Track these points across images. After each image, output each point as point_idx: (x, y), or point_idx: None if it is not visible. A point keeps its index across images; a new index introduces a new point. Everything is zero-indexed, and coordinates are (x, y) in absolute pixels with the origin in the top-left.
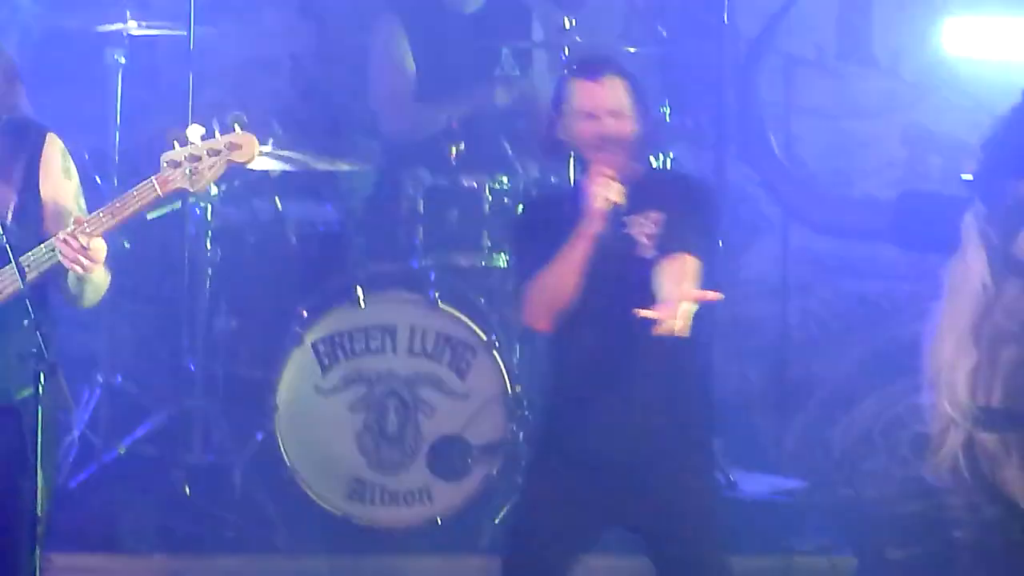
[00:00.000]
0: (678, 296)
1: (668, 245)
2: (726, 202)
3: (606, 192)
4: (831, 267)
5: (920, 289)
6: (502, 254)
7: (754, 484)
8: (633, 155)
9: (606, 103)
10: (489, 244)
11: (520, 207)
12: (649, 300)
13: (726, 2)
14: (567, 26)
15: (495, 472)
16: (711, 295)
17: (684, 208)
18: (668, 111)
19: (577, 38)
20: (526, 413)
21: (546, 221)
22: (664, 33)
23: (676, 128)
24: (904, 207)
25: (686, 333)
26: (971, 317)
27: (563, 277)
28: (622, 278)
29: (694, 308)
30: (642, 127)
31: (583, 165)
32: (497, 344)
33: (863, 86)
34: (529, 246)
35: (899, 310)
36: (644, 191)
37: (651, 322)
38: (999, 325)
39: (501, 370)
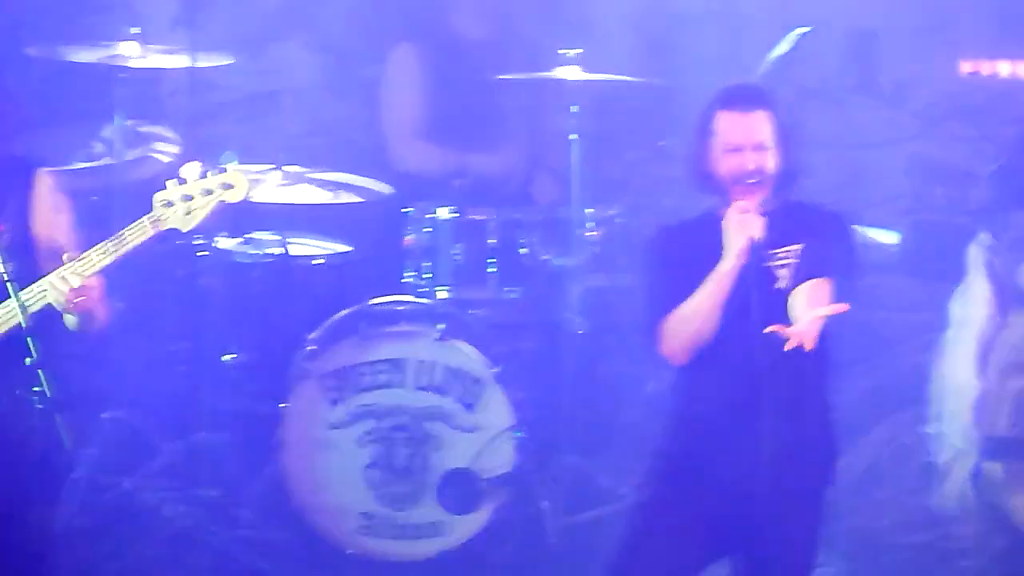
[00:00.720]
0: (811, 313)
1: (805, 277)
2: None
3: (748, 229)
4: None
5: (926, 319)
6: (512, 288)
7: None
8: (773, 189)
9: (753, 137)
10: (496, 276)
11: (656, 234)
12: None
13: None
14: (570, 55)
15: (504, 505)
16: (839, 307)
17: (820, 239)
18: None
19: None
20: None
21: (682, 251)
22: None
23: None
24: (910, 237)
25: (811, 345)
26: (978, 347)
27: (704, 312)
28: (760, 311)
29: (821, 323)
30: (784, 160)
31: (725, 197)
32: (507, 377)
33: (869, 116)
34: (664, 275)
35: (905, 340)
36: (781, 222)
37: (781, 345)
38: (1005, 355)
39: (509, 403)
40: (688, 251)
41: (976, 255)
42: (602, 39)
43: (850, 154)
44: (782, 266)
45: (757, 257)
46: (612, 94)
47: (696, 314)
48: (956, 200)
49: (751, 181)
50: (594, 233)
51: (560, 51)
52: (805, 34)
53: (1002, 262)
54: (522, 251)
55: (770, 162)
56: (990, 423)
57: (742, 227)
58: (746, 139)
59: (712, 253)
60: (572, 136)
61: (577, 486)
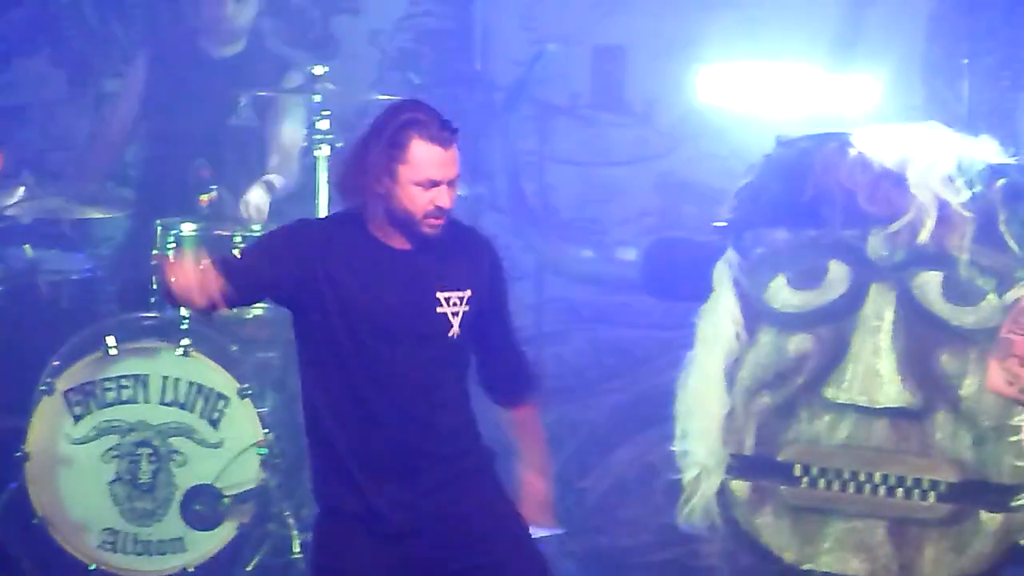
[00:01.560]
0: None
1: (471, 323)
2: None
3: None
4: (585, 316)
5: (673, 337)
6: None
7: None
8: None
9: (450, 173)
10: None
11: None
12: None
13: (479, 50)
14: (319, 73)
15: (248, 521)
16: None
17: (487, 285)
18: None
19: (329, 85)
20: (278, 461)
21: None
22: (416, 81)
23: None
24: (657, 255)
25: None
26: (724, 365)
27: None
28: (428, 354)
29: None
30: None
31: (402, 223)
32: (250, 392)
33: (616, 134)
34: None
35: (653, 358)
36: (454, 260)
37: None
38: (752, 373)
39: (254, 418)
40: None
41: (723, 273)
42: (350, 56)
43: (598, 171)
44: (454, 313)
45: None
46: (361, 110)
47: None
48: (703, 217)
49: (438, 219)
50: None
51: (309, 68)
52: (552, 51)
53: (748, 280)
54: None
55: (454, 195)
56: (736, 441)
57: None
58: (445, 175)
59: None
60: (319, 151)
61: None
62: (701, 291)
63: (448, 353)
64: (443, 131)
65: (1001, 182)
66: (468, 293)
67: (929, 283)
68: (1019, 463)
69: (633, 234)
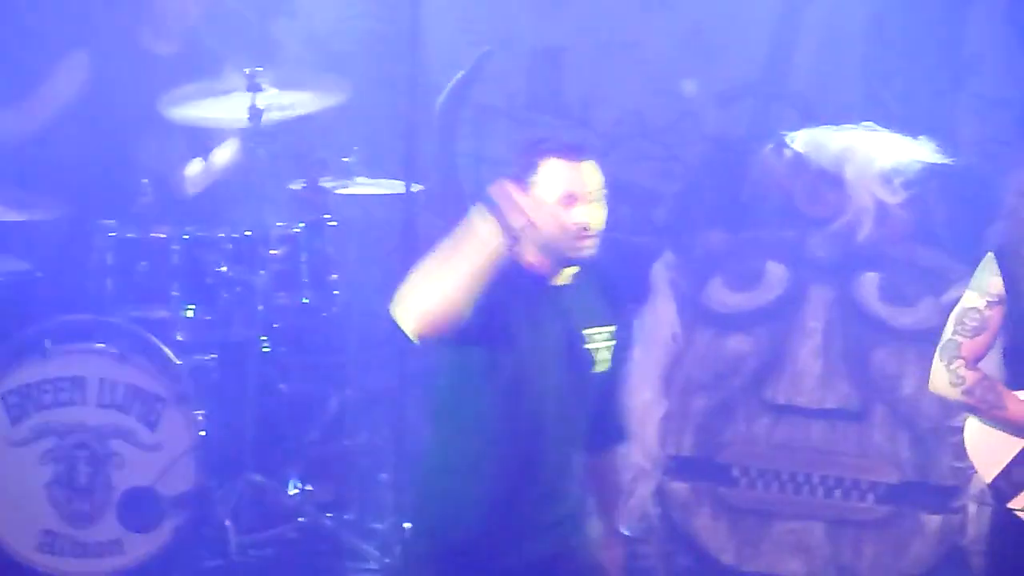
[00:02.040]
0: None
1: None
2: (419, 254)
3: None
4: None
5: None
6: (195, 306)
7: None
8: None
9: (588, 185)
10: (178, 295)
11: None
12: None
13: (416, 53)
14: (251, 73)
15: (185, 523)
16: None
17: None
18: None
19: (265, 87)
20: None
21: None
22: (353, 84)
23: (368, 179)
24: (595, 256)
25: None
26: (661, 366)
27: (459, 282)
28: (570, 392)
29: None
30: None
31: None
32: (187, 395)
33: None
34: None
35: None
36: (596, 295)
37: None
38: (690, 375)
39: (191, 421)
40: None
41: (660, 274)
42: (288, 58)
43: None
44: (597, 348)
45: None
46: (299, 111)
47: (455, 285)
48: (641, 219)
49: (585, 239)
50: (278, 251)
51: (247, 69)
52: (488, 53)
53: (686, 281)
54: (207, 269)
55: (602, 211)
56: (674, 442)
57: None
58: (580, 188)
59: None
60: (261, 152)
61: (259, 504)
62: (639, 292)
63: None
64: (573, 147)
65: (938, 183)
66: (613, 328)
67: (867, 284)
68: (958, 464)
69: None
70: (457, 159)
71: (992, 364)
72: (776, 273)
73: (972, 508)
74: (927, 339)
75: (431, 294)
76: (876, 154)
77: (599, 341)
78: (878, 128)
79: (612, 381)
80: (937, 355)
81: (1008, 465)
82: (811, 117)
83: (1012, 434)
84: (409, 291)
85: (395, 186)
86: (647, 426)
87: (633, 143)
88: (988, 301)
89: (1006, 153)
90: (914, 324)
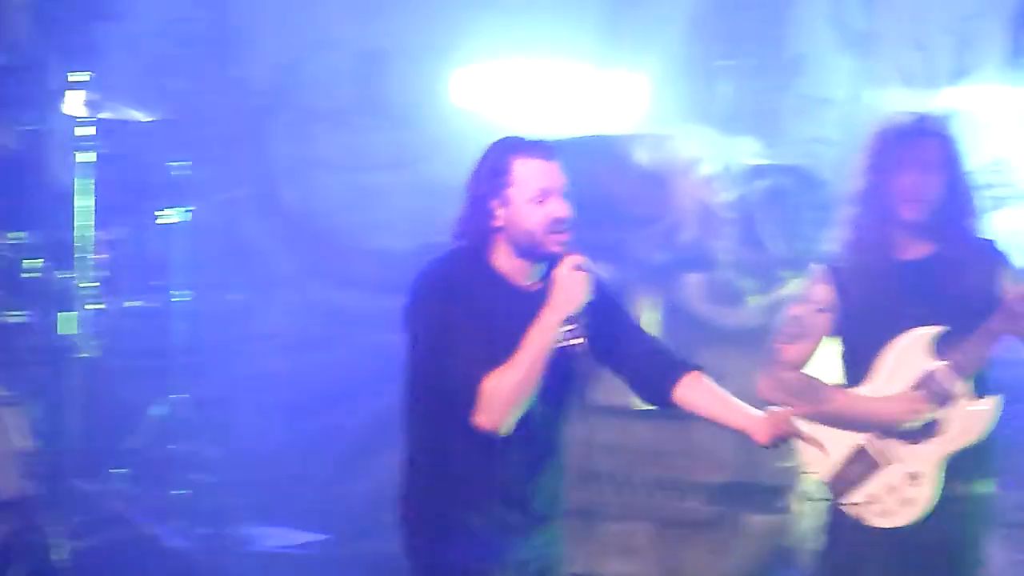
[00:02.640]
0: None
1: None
2: (244, 257)
3: (583, 285)
4: (349, 319)
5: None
6: (18, 311)
7: (271, 537)
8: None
9: (559, 183)
10: (1, 298)
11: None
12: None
13: (238, 56)
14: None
15: (11, 529)
16: None
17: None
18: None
19: (89, 93)
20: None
21: (466, 300)
22: (176, 87)
23: (194, 182)
24: (418, 259)
25: None
26: None
27: (528, 376)
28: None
29: None
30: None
31: (526, 247)
32: (16, 401)
33: (377, 138)
34: (457, 329)
35: None
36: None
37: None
38: None
39: (22, 426)
40: (465, 301)
41: None
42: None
43: (358, 176)
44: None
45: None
46: (127, 118)
47: (529, 378)
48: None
49: (559, 228)
50: (104, 256)
51: (70, 75)
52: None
53: None
54: (28, 273)
55: (570, 207)
56: None
57: (579, 285)
58: (553, 184)
59: (490, 300)
60: (82, 156)
61: (84, 510)
62: None
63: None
64: (541, 146)
65: (762, 183)
66: (586, 321)
67: (691, 284)
68: (784, 464)
69: (394, 238)
70: (280, 162)
71: (822, 367)
72: (601, 274)
73: (797, 507)
74: (752, 339)
75: (515, 399)
76: (701, 155)
77: (572, 336)
78: (703, 129)
79: (639, 340)
80: (764, 362)
81: (836, 465)
82: (636, 119)
83: (843, 429)
84: (492, 405)
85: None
86: None
87: (455, 145)
88: (813, 309)
89: (831, 153)
90: (738, 324)
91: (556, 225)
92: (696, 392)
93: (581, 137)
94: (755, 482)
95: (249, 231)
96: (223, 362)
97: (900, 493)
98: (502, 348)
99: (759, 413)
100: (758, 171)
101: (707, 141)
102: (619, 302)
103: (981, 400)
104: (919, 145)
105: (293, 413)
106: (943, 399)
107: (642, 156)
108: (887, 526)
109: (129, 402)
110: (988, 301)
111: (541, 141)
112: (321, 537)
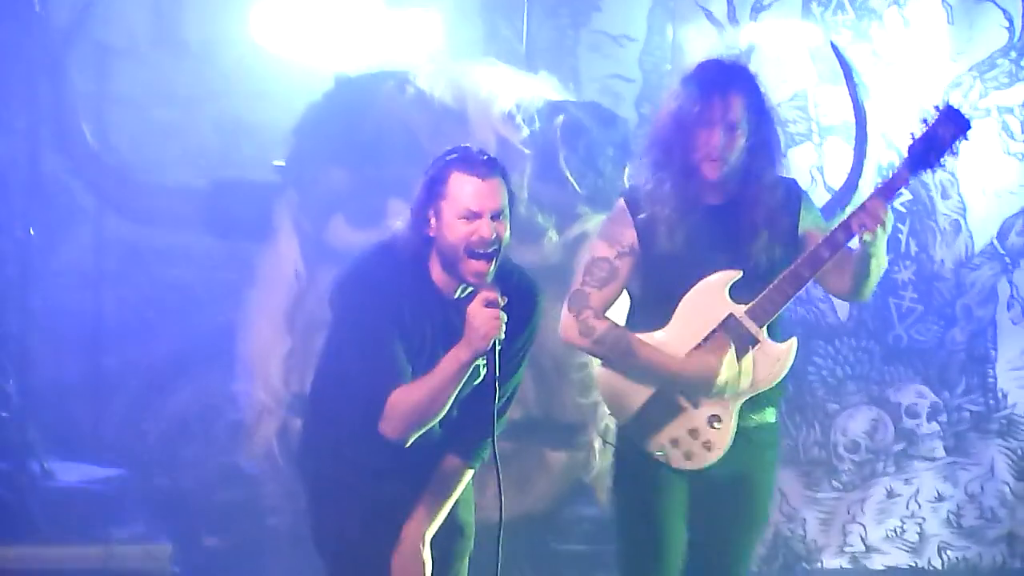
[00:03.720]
0: None
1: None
2: (41, 193)
3: (495, 327)
4: (145, 256)
5: (234, 277)
6: None
7: (70, 472)
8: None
9: (492, 204)
10: None
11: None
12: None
13: None
14: None
15: None
16: None
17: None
18: None
19: None
20: None
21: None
22: None
23: None
24: (216, 195)
25: None
26: (284, 305)
27: (433, 401)
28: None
29: None
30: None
31: (449, 260)
32: None
33: (175, 74)
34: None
35: (214, 299)
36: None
37: None
38: (312, 312)
39: None
40: (394, 297)
41: (282, 213)
42: None
43: (156, 111)
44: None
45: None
46: None
47: (434, 400)
48: (262, 157)
49: (481, 252)
50: None
51: None
52: None
53: (308, 220)
54: None
55: (503, 231)
56: (297, 380)
57: (489, 323)
58: (483, 206)
59: (417, 303)
60: None
61: None
62: (261, 231)
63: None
64: (482, 164)
65: (560, 119)
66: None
67: None
68: (582, 400)
69: (192, 174)
70: (77, 98)
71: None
72: (398, 211)
73: (597, 444)
74: (550, 276)
75: (417, 418)
76: (498, 91)
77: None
78: (499, 64)
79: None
80: (566, 305)
81: (639, 409)
82: (433, 54)
83: (641, 380)
84: (396, 416)
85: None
86: (270, 364)
87: (253, 81)
88: (619, 251)
89: (628, 90)
90: (537, 261)
91: (477, 245)
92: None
93: (377, 72)
94: (554, 419)
95: (48, 166)
96: (19, 297)
97: (702, 436)
98: (425, 355)
99: None
100: (556, 107)
101: (504, 77)
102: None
103: (779, 343)
104: (724, 103)
105: (90, 349)
106: (742, 343)
107: (439, 91)
108: (690, 468)
109: None
110: (788, 242)
111: (487, 160)
112: (117, 473)
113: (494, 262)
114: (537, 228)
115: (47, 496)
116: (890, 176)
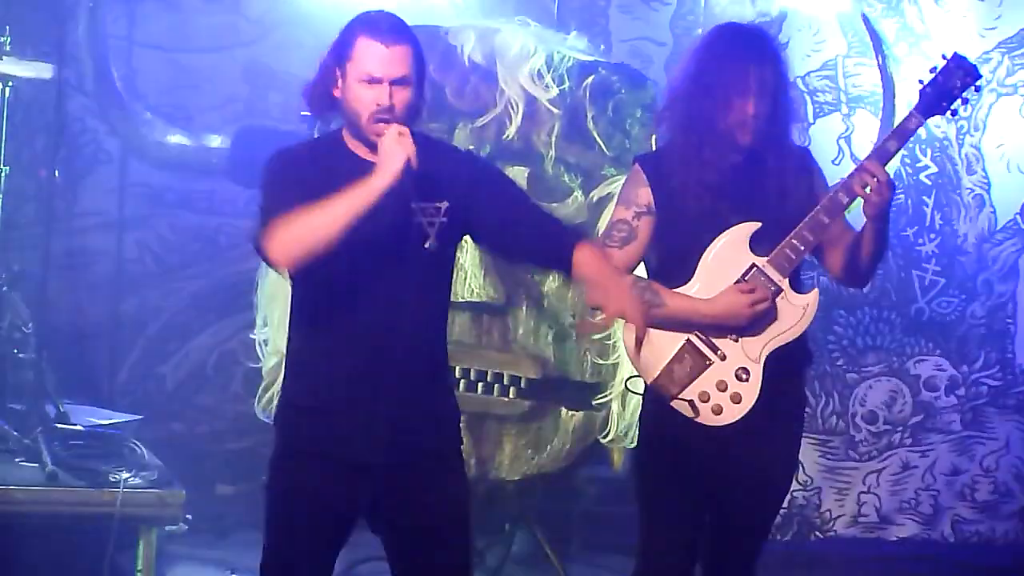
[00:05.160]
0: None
1: (450, 237)
2: (66, 135)
3: (406, 148)
4: (169, 201)
5: (255, 226)
6: None
7: (86, 416)
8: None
9: (394, 71)
10: None
11: (276, 158)
12: (421, 298)
13: None
14: None
15: None
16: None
17: (471, 196)
18: (8, 41)
19: None
20: None
21: (309, 171)
22: None
23: (17, 57)
24: (243, 143)
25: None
26: None
27: (338, 222)
28: (401, 267)
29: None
30: (415, 98)
31: (353, 126)
32: None
33: (205, 21)
34: (288, 192)
35: (235, 247)
36: (428, 173)
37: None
38: None
39: None
40: (317, 172)
41: None
42: None
43: (185, 57)
44: (430, 223)
45: (404, 203)
46: None
47: (329, 223)
48: (290, 107)
49: (383, 117)
50: None
51: None
52: None
53: None
54: None
55: (406, 99)
56: None
57: (401, 146)
58: (386, 73)
59: (335, 171)
60: None
61: None
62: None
63: (423, 267)
64: (389, 29)
65: (590, 80)
66: (444, 204)
67: (515, 179)
68: (600, 361)
69: (219, 121)
70: (107, 41)
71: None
72: None
73: (615, 406)
74: None
75: (312, 238)
76: (528, 49)
77: (428, 215)
78: (531, 23)
79: (530, 218)
80: None
81: (668, 363)
82: (463, 10)
83: (671, 330)
84: (287, 234)
85: (44, 69)
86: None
87: (283, 29)
88: (636, 212)
89: (659, 53)
90: (564, 220)
91: (378, 114)
92: (589, 261)
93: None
94: (572, 378)
95: (75, 109)
96: (41, 239)
97: (730, 389)
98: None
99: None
100: (586, 68)
101: (535, 36)
102: (492, 180)
103: (801, 295)
104: (759, 70)
105: (109, 293)
106: (767, 294)
107: (468, 48)
108: (718, 424)
109: None
110: (801, 207)
111: (394, 25)
112: (133, 418)
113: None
114: (563, 188)
115: (61, 438)
116: (904, 119)
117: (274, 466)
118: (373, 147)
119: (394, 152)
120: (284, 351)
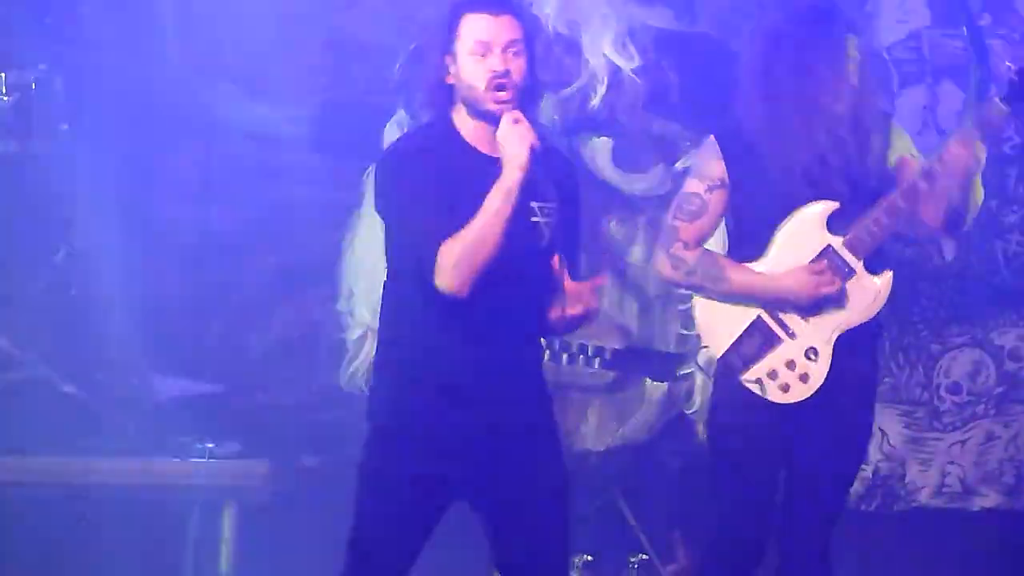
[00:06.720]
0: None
1: (557, 240)
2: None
3: (527, 137)
4: (253, 172)
5: (341, 197)
6: None
7: (171, 387)
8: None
9: (502, 37)
10: None
11: (389, 161)
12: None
13: None
14: None
15: None
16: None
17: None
18: None
19: None
20: None
21: (426, 173)
22: None
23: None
24: (326, 115)
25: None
26: None
27: (492, 235)
28: (522, 268)
29: None
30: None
31: (473, 106)
32: None
33: None
34: (420, 204)
35: (321, 218)
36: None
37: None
38: None
39: None
40: (439, 174)
41: (393, 134)
42: None
43: (270, 26)
44: (546, 223)
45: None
46: None
47: (484, 239)
48: (374, 78)
49: (500, 82)
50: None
51: None
52: None
53: None
54: None
55: (520, 67)
56: None
57: (519, 133)
58: (495, 38)
59: (458, 170)
60: None
61: None
62: (371, 153)
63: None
64: (492, 2)
65: (673, 49)
66: (553, 204)
67: (599, 149)
68: (685, 332)
69: (303, 93)
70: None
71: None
72: None
73: (699, 377)
74: (658, 206)
75: (478, 259)
76: (612, 19)
77: (545, 215)
78: None
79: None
80: (660, 240)
81: (739, 338)
82: None
83: (739, 303)
84: (451, 261)
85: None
86: (375, 285)
87: (368, 2)
88: (709, 185)
89: (745, 23)
90: (645, 191)
91: (494, 79)
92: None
93: None
94: (656, 349)
95: (156, 80)
96: (127, 210)
97: (799, 368)
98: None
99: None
100: (669, 38)
101: (619, 5)
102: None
103: (876, 276)
104: (849, 43)
105: (195, 264)
106: (840, 274)
107: (552, 17)
108: (786, 401)
109: (29, 247)
110: (882, 180)
111: None
112: (217, 389)
113: (514, 94)
114: (646, 158)
115: (145, 410)
116: (989, 105)
117: (370, 444)
118: (495, 120)
119: (514, 141)
120: (371, 325)
